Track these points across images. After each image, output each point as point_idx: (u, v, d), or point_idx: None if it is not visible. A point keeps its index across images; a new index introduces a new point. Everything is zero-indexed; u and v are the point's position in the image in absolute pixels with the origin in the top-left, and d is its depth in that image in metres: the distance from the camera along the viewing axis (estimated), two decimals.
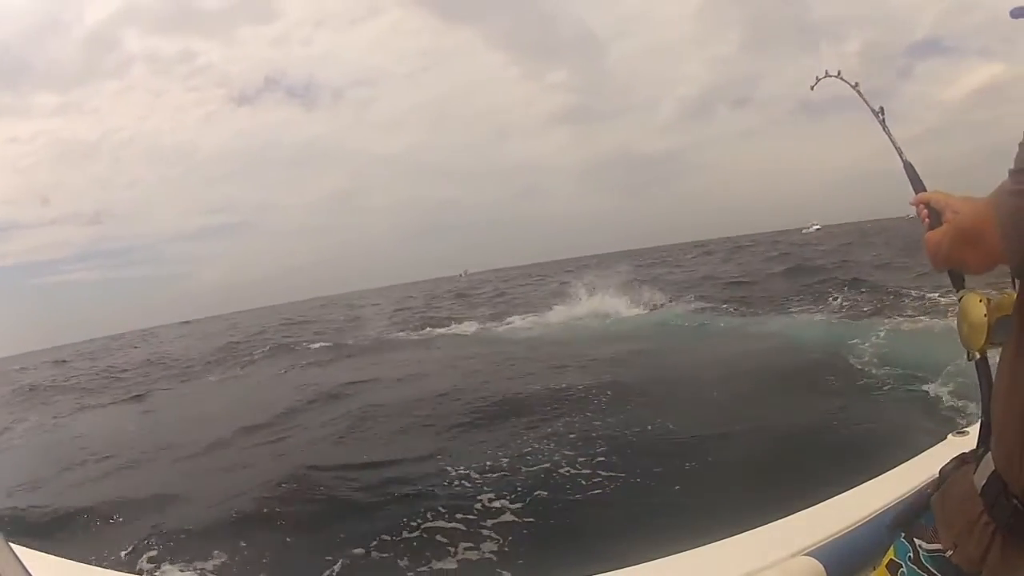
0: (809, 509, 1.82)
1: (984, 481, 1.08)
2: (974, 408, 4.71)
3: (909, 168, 1.58)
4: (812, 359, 7.81)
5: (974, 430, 1.40)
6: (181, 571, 4.14)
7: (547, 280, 33.88)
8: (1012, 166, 0.91)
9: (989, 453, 1.10)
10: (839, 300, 12.30)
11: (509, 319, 17.91)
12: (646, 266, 32.46)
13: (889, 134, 1.66)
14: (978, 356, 1.27)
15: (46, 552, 2.25)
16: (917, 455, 2.01)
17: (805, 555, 1.55)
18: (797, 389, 6.58)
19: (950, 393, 5.54)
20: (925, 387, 5.95)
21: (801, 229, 61.93)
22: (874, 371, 6.89)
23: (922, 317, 9.35)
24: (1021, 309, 0.99)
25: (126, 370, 20.79)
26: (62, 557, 2.32)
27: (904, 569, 1.26)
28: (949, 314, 7.76)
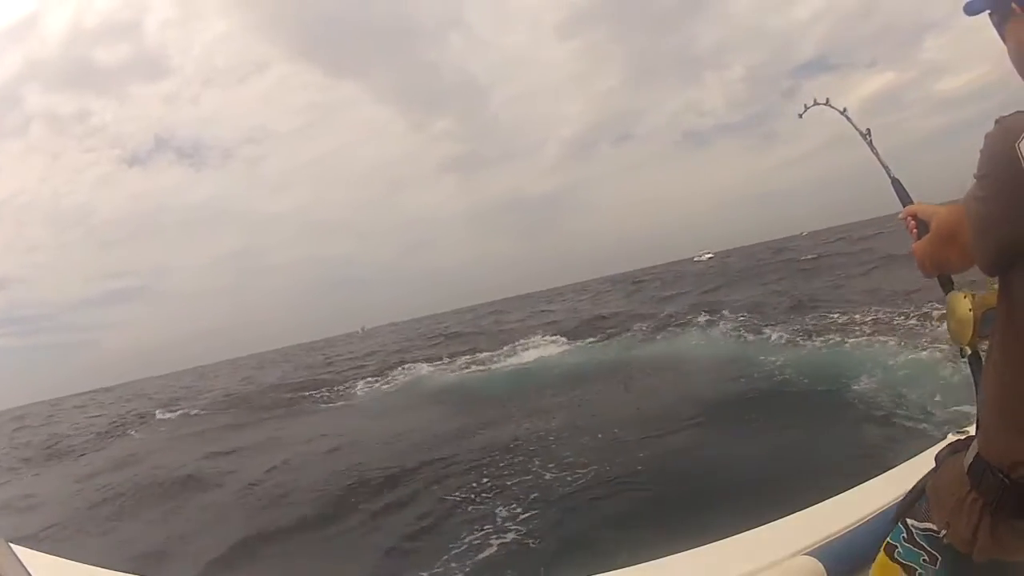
0: (809, 509, 1.82)
1: (971, 461, 1.14)
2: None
3: (896, 184, 1.61)
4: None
5: (973, 429, 1.42)
6: None
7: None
8: (975, 171, 0.97)
9: (974, 442, 1.15)
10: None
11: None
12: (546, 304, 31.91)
13: (876, 153, 1.69)
14: (969, 352, 1.34)
15: (46, 552, 2.25)
16: (917, 455, 2.01)
17: (805, 555, 1.55)
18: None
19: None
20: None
21: (693, 258, 62.64)
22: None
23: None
24: (1001, 302, 1.04)
25: None
26: (62, 557, 2.32)
27: (900, 549, 1.29)
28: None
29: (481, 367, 14.57)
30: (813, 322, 10.45)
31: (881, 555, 1.37)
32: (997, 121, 0.95)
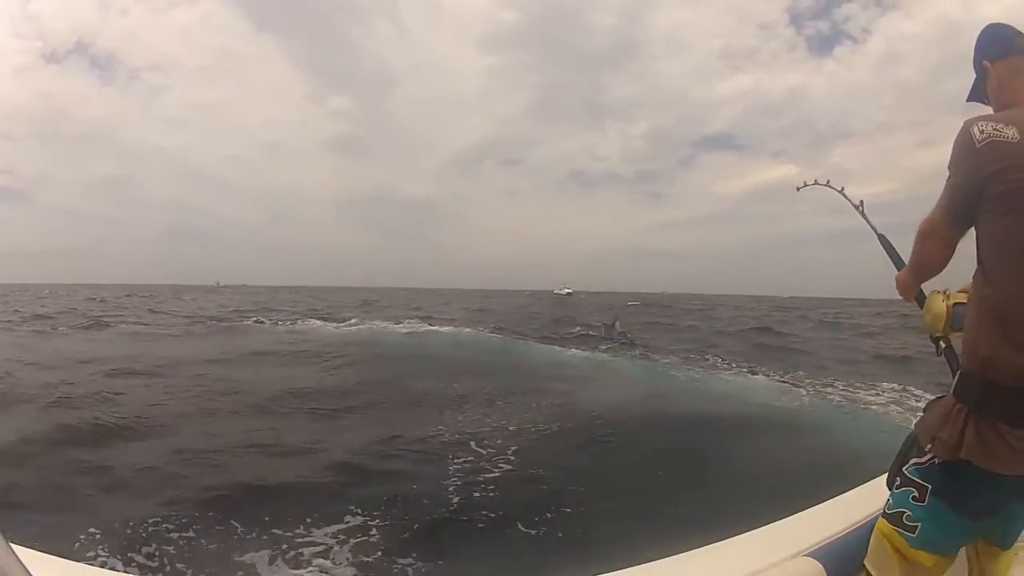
0: (809, 509, 1.82)
1: (954, 385, 1.30)
2: None
3: (884, 240, 1.83)
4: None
5: None
6: None
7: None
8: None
9: (957, 374, 1.31)
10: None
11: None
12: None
13: (868, 221, 1.91)
14: (944, 346, 1.53)
15: (46, 552, 2.25)
16: None
17: (805, 555, 1.55)
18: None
19: None
20: None
21: (553, 290, 65.25)
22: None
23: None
24: (978, 248, 1.28)
25: None
26: (62, 557, 2.32)
27: (891, 501, 1.41)
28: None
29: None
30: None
31: (879, 521, 1.44)
32: (964, 122, 1.24)
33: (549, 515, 4.40)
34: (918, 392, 9.33)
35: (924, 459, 1.33)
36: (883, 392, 9.74)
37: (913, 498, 1.33)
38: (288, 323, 23.24)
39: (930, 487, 1.31)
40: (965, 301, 1.41)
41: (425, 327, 21.13)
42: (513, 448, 5.82)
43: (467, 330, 19.61)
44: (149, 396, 8.17)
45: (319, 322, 23.95)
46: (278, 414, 7.43)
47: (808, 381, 10.84)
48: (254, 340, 16.71)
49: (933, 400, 1.40)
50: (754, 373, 11.94)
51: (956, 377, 1.31)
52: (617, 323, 22.81)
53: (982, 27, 1.43)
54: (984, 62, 1.38)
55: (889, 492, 1.44)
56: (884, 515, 1.42)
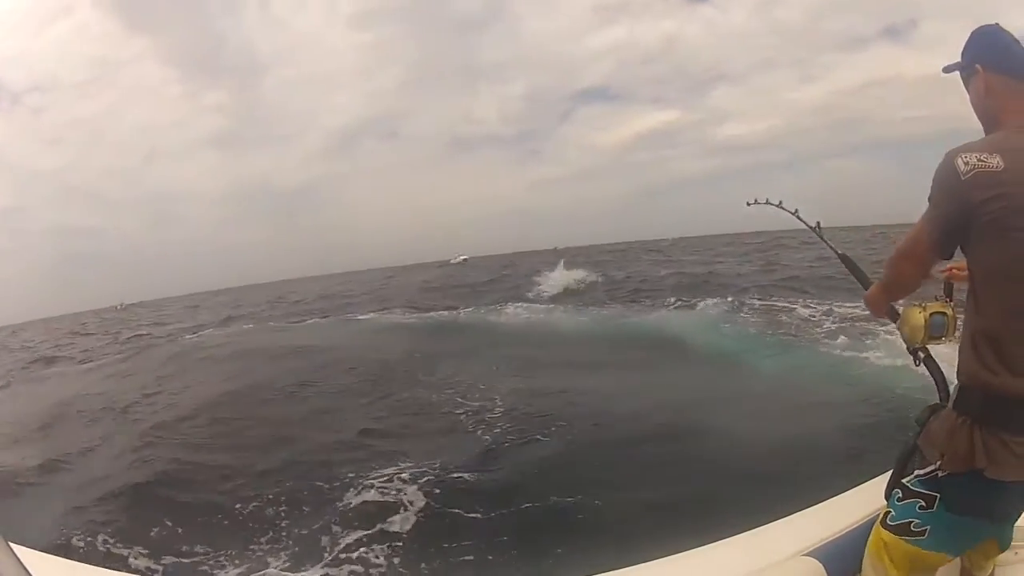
0: (809, 509, 1.82)
1: (955, 398, 1.34)
2: None
3: (846, 259, 1.91)
4: None
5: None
6: None
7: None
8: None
9: (955, 386, 1.35)
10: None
11: None
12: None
13: (826, 241, 2.01)
14: (923, 356, 1.60)
15: (46, 552, 2.25)
16: None
17: (805, 555, 1.55)
18: None
19: None
20: None
21: (449, 260, 65.47)
22: None
23: None
24: (969, 274, 1.33)
25: None
26: (62, 557, 2.32)
27: (893, 513, 1.43)
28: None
29: None
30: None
31: (875, 529, 1.48)
32: (944, 155, 1.27)
33: (546, 515, 4.41)
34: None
35: (928, 470, 1.36)
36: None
37: (920, 507, 1.38)
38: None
39: (939, 496, 1.35)
40: (942, 310, 1.52)
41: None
42: (486, 442, 5.80)
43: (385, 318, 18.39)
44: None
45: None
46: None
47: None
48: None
49: (930, 412, 1.43)
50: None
51: (956, 391, 1.35)
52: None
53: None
54: (977, 65, 1.38)
55: (887, 502, 1.47)
56: (886, 526, 1.44)
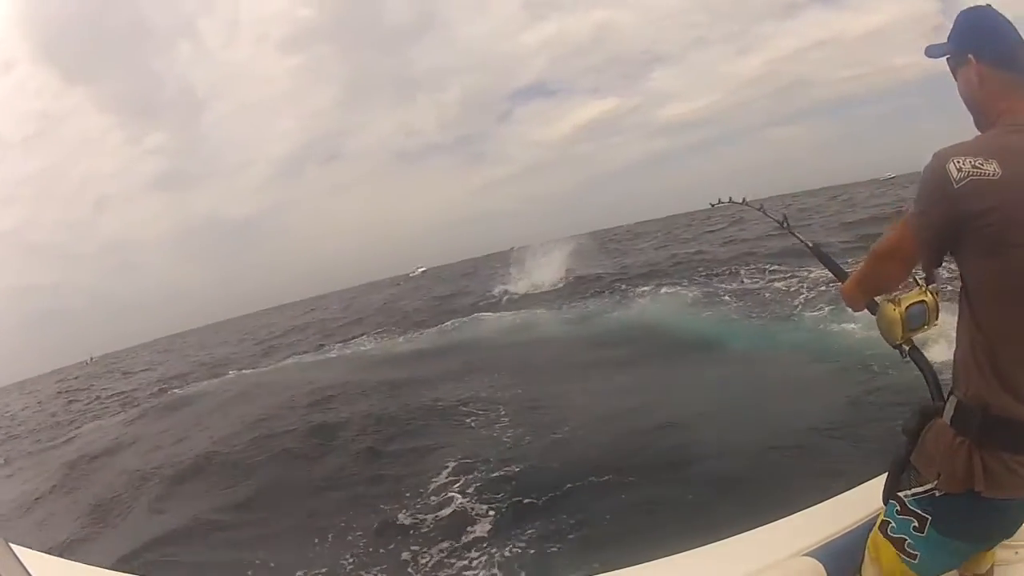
0: (809, 509, 1.82)
1: (952, 412, 1.26)
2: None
3: (818, 251, 1.87)
4: None
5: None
6: None
7: None
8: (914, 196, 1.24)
9: (951, 398, 1.27)
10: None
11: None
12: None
13: (795, 234, 1.98)
14: (907, 348, 1.54)
15: (46, 552, 2.26)
16: None
17: (805, 555, 1.55)
18: None
19: None
20: None
21: (408, 273, 65.14)
22: None
23: None
24: (961, 283, 1.24)
25: None
26: (62, 557, 2.32)
27: (893, 524, 1.36)
28: None
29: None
30: None
31: (875, 532, 1.43)
32: (933, 156, 1.18)
33: (544, 514, 4.41)
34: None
35: (923, 489, 1.29)
36: None
37: (914, 528, 1.31)
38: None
39: (930, 519, 1.29)
40: (919, 299, 1.45)
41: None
42: (490, 443, 5.82)
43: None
44: None
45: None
46: None
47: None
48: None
49: (921, 419, 1.35)
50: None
51: (954, 407, 1.26)
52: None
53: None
54: (968, 54, 1.25)
55: (885, 506, 1.41)
56: (885, 535, 1.38)
